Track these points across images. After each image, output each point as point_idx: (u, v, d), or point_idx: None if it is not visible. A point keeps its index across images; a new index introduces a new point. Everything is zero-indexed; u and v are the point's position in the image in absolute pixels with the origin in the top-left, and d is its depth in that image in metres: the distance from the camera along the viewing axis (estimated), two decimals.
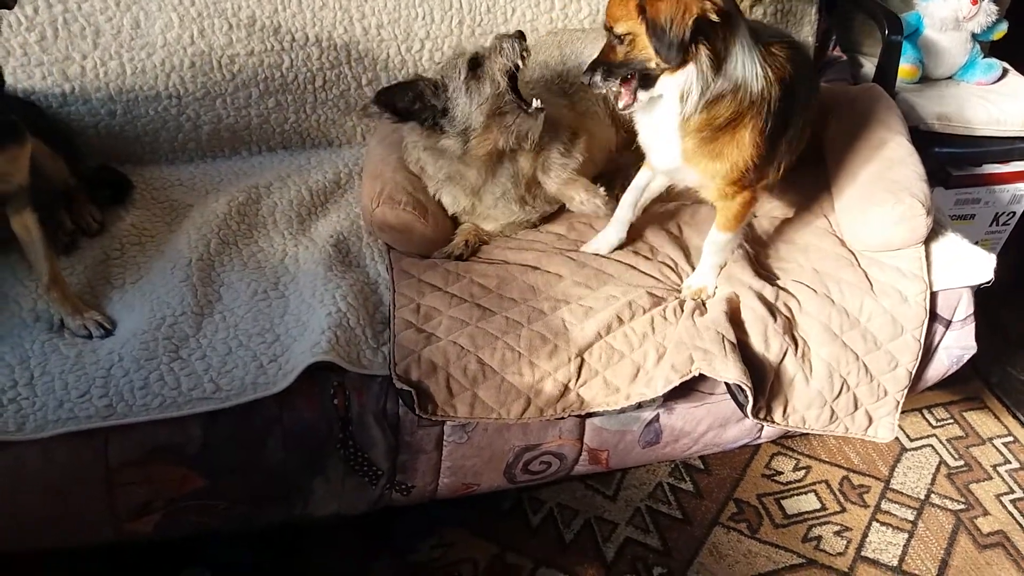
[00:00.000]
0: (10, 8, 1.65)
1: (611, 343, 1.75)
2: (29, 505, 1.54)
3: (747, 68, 1.62)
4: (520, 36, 1.85)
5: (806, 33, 2.57)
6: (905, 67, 2.67)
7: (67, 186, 1.92)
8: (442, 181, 1.97)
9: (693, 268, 1.94)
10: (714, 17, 1.54)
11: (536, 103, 1.87)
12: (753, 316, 1.81)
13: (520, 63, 1.84)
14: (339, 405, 1.65)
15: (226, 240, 1.95)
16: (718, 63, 1.59)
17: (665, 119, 1.69)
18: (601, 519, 2.09)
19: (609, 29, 1.64)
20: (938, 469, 2.29)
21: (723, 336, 1.74)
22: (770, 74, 1.64)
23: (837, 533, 2.10)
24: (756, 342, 1.79)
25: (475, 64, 1.84)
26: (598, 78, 1.66)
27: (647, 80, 1.65)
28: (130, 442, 1.55)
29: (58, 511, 1.57)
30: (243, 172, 2.20)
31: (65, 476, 1.53)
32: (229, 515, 1.70)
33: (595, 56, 1.68)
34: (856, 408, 1.87)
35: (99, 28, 2.04)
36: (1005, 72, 2.85)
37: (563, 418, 1.75)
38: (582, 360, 1.73)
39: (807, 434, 2.30)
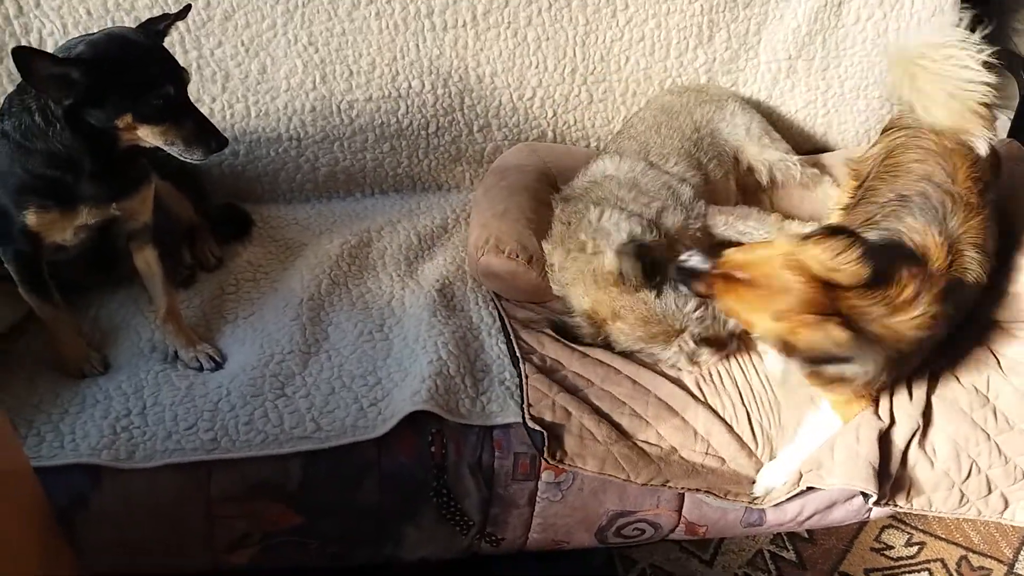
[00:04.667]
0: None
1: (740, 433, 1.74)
2: (134, 532, 1.59)
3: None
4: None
5: None
6: None
7: (191, 223, 2.01)
8: None
9: None
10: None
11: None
12: None
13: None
14: (436, 453, 1.65)
15: (336, 280, 1.98)
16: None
17: None
18: None
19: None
20: None
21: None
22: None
23: None
24: None
25: None
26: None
27: None
28: (232, 476, 1.58)
29: (161, 539, 1.62)
30: (356, 214, 2.25)
31: (168, 506, 1.57)
32: (321, 553, 1.71)
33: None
34: (990, 491, 1.74)
35: (228, 72, 2.13)
36: None
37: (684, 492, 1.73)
38: (708, 443, 1.70)
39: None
